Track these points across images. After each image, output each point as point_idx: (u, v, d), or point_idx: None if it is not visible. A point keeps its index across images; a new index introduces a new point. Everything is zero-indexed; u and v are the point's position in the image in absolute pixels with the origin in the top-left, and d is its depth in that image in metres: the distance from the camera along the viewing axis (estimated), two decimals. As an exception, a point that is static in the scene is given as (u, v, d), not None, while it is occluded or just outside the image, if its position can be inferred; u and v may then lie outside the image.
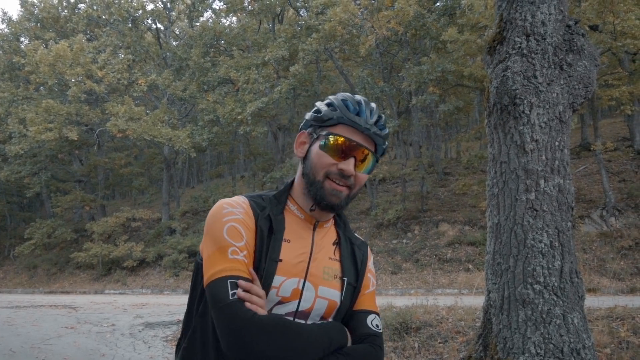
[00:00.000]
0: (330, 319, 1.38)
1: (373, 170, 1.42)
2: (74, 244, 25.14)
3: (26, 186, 26.66)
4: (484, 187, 13.41)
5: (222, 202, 1.36)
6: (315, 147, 1.37)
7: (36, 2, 28.58)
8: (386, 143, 1.44)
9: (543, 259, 3.65)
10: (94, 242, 22.50)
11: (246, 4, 22.98)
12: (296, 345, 1.21)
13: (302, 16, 22.40)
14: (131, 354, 7.13)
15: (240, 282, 1.24)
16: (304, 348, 1.23)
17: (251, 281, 1.25)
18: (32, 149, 23.95)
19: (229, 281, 1.23)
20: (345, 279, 1.40)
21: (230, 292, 1.22)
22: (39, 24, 28.49)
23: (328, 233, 1.45)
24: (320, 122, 1.39)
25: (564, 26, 3.95)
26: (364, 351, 1.34)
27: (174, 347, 1.33)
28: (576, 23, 3.98)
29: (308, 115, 1.45)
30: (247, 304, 1.22)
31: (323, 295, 1.36)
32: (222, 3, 26.50)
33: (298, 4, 22.65)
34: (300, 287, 1.32)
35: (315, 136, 1.39)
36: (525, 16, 3.90)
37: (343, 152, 1.34)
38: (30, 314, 11.56)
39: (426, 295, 9.69)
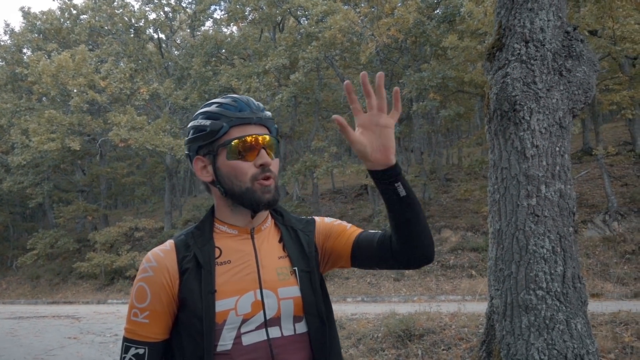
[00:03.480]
0: (303, 316, 1.36)
1: (280, 152, 1.44)
2: (77, 254, 25.13)
3: (29, 196, 26.70)
4: (486, 192, 13.18)
5: (147, 255, 1.39)
6: (223, 162, 1.35)
7: (38, 14, 28.80)
8: (274, 123, 1.44)
9: (545, 264, 3.65)
10: (96, 252, 22.49)
11: (247, 13, 23.12)
12: None
13: (302, 24, 22.52)
14: (134, 363, 7.11)
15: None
16: None
17: (147, 345, 1.32)
18: (34, 160, 24.04)
19: (124, 343, 1.33)
20: (295, 268, 1.38)
21: (122, 355, 1.32)
22: (41, 35, 28.68)
23: (270, 234, 1.43)
24: (211, 138, 1.35)
25: (562, 32, 3.97)
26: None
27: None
28: (575, 29, 4.00)
29: (188, 140, 1.41)
30: None
31: (285, 296, 1.34)
32: (223, 12, 26.67)
33: (299, 13, 22.76)
34: (259, 298, 1.32)
35: (214, 153, 1.36)
36: (524, 23, 3.92)
37: (251, 150, 1.34)
38: (33, 324, 11.56)
39: (429, 302, 9.67)
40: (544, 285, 3.62)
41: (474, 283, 14.07)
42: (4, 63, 30.26)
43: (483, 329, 4.25)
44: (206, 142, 1.36)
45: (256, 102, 1.40)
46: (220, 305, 1.29)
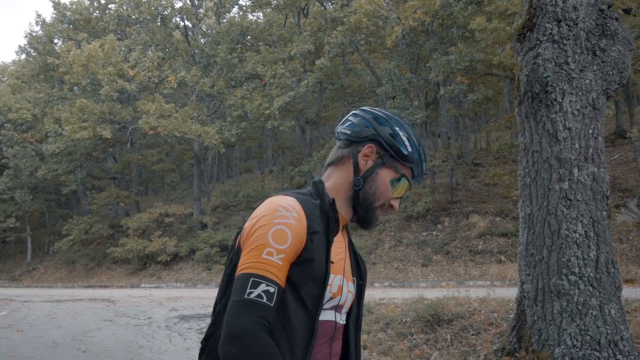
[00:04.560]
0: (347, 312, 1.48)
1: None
2: (110, 240, 25.83)
3: (63, 184, 27.51)
4: (516, 177, 12.84)
5: (277, 203, 1.32)
6: (386, 177, 1.40)
7: (68, 4, 29.32)
8: None
9: (578, 249, 3.59)
10: (129, 237, 23.08)
11: (272, -1, 23.05)
12: None
13: (327, 9, 22.32)
14: (167, 345, 7.32)
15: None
16: None
17: (278, 286, 1.23)
18: (67, 148, 24.71)
19: (251, 279, 1.22)
20: (355, 278, 1.48)
21: (248, 290, 1.21)
22: (71, 26, 29.21)
23: (344, 237, 1.50)
24: (398, 157, 1.40)
25: (596, 10, 3.85)
26: None
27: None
28: (609, 7, 3.87)
29: (383, 132, 1.41)
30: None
31: (351, 289, 1.44)
32: (247, -1, 26.64)
33: (323, -3, 22.60)
34: (341, 283, 1.38)
35: (384, 163, 1.40)
36: (556, 1, 3.81)
37: (401, 192, 1.44)
38: (70, 307, 11.96)
39: (457, 287, 9.59)
40: (577, 270, 3.56)
41: (503, 268, 13.91)
42: (36, 54, 30.99)
43: (513, 314, 4.22)
44: (390, 153, 1.41)
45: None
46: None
